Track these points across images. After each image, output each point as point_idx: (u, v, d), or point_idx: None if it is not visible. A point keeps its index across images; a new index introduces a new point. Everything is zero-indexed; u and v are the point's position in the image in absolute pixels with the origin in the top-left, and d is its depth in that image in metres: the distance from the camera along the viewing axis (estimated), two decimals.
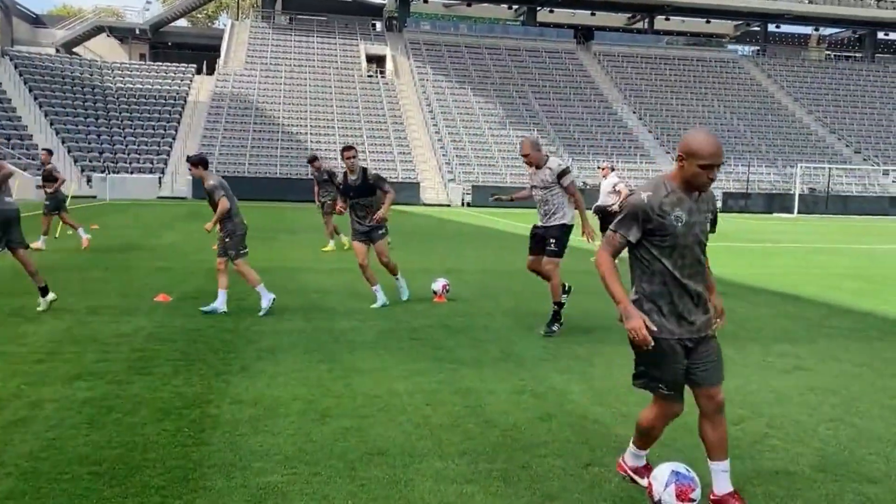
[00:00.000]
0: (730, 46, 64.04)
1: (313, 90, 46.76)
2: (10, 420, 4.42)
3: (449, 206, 36.80)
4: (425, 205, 37.44)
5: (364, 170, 8.69)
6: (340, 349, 6.53)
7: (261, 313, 7.92)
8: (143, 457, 3.93)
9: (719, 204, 39.67)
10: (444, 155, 42.22)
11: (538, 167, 7.43)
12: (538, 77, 52.06)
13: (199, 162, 8.21)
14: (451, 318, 8.07)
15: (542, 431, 4.53)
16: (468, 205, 37.09)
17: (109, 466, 3.78)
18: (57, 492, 3.47)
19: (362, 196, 8.61)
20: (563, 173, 7.33)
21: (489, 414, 4.83)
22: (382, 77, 50.40)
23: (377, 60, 52.78)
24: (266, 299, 8.03)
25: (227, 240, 8.13)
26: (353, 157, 8.66)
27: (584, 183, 40.20)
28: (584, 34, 58.69)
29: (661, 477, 3.36)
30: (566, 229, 7.41)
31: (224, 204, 7.99)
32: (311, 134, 42.52)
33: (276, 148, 40.84)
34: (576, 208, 7.43)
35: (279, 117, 43.50)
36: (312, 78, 47.99)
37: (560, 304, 7.44)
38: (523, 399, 5.18)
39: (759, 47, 64.26)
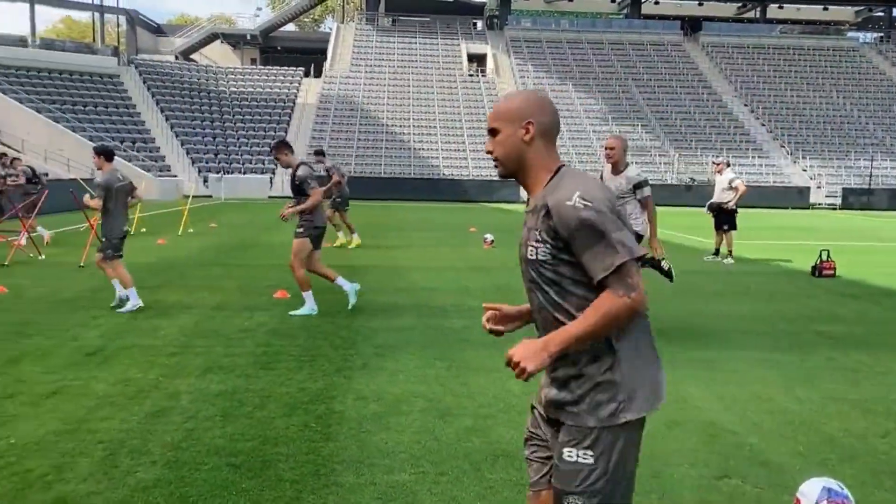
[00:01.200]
0: (850, 34, 60.36)
1: (416, 90, 47.36)
2: (151, 410, 4.66)
3: None
4: (525, 202, 37.28)
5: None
6: (454, 347, 6.54)
7: (121, 308, 7.87)
8: (274, 450, 4.05)
9: (837, 200, 37.51)
10: None
11: (616, 170, 7.14)
12: (642, 71, 50.76)
13: (101, 153, 7.93)
14: None
15: (669, 439, 4.38)
16: None
17: (245, 459, 3.91)
18: (199, 481, 3.62)
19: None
20: (640, 185, 7.01)
21: None
22: (483, 75, 50.46)
23: (478, 59, 52.89)
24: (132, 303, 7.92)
25: (103, 238, 8.05)
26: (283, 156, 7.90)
27: (691, 179, 38.89)
28: (692, 25, 56.74)
29: (812, 494, 3.16)
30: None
31: (97, 203, 7.92)
32: (413, 133, 43.10)
33: (381, 148, 41.62)
34: (648, 221, 7.11)
35: (383, 118, 44.30)
36: (415, 78, 48.62)
37: None
38: None
39: (882, 34, 60.23)
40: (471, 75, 50.39)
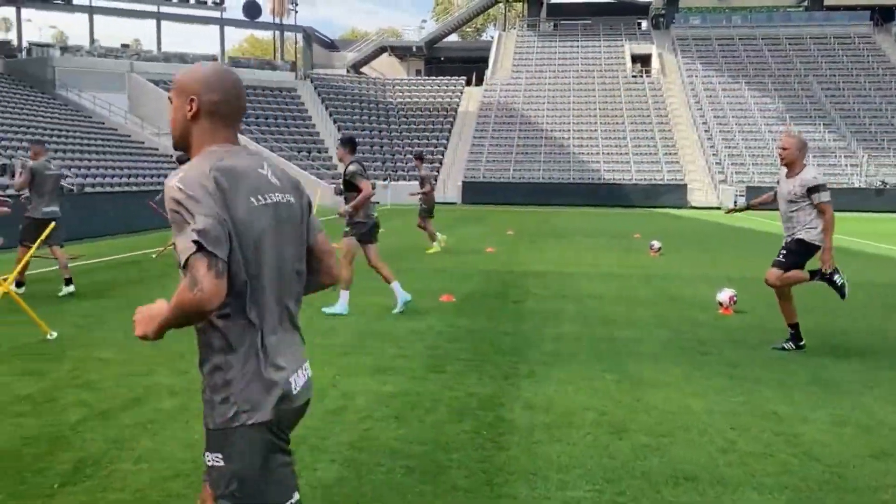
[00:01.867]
0: None
1: (577, 94, 46.75)
2: (329, 409, 4.83)
3: (719, 208, 34.56)
4: (693, 207, 35.62)
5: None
6: (624, 359, 6.29)
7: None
8: (447, 456, 4.04)
9: None
10: (713, 155, 39.81)
11: (791, 172, 6.48)
12: (824, 66, 47.06)
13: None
14: (743, 332, 7.43)
15: (878, 472, 3.92)
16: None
17: (419, 463, 3.94)
18: (376, 483, 3.68)
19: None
20: (816, 189, 6.30)
21: (806, 445, 4.30)
22: (647, 76, 48.93)
23: (642, 60, 51.35)
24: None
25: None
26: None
27: (882, 182, 35.50)
28: (882, 15, 51.87)
29: None
30: (805, 246, 6.43)
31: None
32: (573, 138, 42.55)
33: (540, 153, 41.45)
34: (823, 229, 6.39)
35: (543, 123, 44.10)
36: (576, 82, 48.02)
37: (793, 326, 6.61)
38: (846, 432, 4.54)
39: None
40: (634, 76, 49.02)
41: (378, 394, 5.16)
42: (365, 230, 8.04)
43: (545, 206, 35.26)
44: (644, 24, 56.85)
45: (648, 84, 47.73)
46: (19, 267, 8.30)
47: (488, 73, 50.48)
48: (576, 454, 4.10)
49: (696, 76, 47.25)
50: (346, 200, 7.95)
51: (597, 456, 4.08)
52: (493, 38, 59.39)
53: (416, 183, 15.40)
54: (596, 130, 43.15)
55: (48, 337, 6.74)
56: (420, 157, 15.74)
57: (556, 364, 6.08)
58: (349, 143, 8.00)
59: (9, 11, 52.84)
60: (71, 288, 9.22)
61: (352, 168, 7.82)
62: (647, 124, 43.43)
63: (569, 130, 43.34)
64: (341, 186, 8.06)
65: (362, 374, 5.68)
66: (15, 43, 43.85)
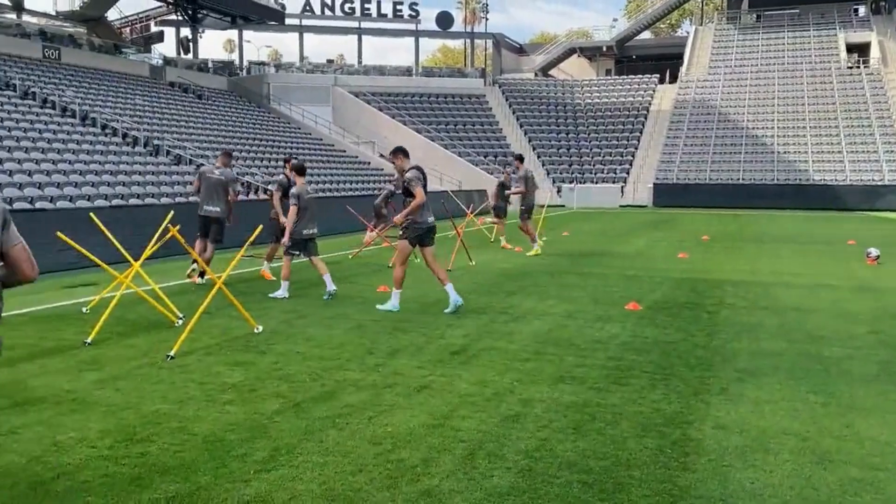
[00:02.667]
0: None
1: (782, 89, 43.43)
2: (506, 415, 4.80)
3: None
4: None
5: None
6: (834, 380, 5.69)
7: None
8: (627, 473, 3.86)
9: None
10: None
11: None
12: None
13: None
14: None
15: None
16: None
17: (597, 478, 3.79)
18: (551, 495, 3.59)
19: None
20: None
21: None
22: (865, 67, 44.38)
23: (858, 49, 46.67)
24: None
25: None
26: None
27: None
28: None
29: None
30: None
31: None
32: (777, 136, 39.57)
33: (740, 153, 38.99)
34: None
35: (743, 121, 41.44)
36: (781, 76, 44.62)
37: None
38: None
39: None
40: (850, 68, 44.66)
41: (557, 403, 5.06)
42: (418, 234, 8.46)
43: (745, 209, 33.09)
44: (861, 9, 51.60)
45: (867, 75, 43.27)
46: (201, 260, 9.15)
47: (683, 69, 48.33)
48: (772, 482, 3.75)
49: None
50: (404, 205, 8.45)
51: (797, 486, 3.71)
52: (688, 33, 56.78)
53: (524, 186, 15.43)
54: (804, 127, 39.82)
55: (255, 331, 7.33)
56: (520, 158, 16.10)
57: (751, 382, 5.63)
58: (403, 151, 8.58)
59: (232, 34, 58.56)
60: (201, 280, 10.37)
61: (410, 174, 8.31)
62: (864, 119, 39.39)
63: (773, 128, 40.37)
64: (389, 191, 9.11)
65: (541, 381, 5.60)
66: (237, 62, 48.54)
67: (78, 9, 38.73)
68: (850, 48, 46.85)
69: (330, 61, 55.93)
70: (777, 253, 15.25)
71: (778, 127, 40.37)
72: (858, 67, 44.63)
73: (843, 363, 6.20)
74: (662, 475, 3.84)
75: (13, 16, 36.76)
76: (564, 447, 4.23)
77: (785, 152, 38.44)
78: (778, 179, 36.39)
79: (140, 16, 46.74)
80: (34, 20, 38.37)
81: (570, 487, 3.68)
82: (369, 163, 35.91)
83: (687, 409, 4.94)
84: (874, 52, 45.41)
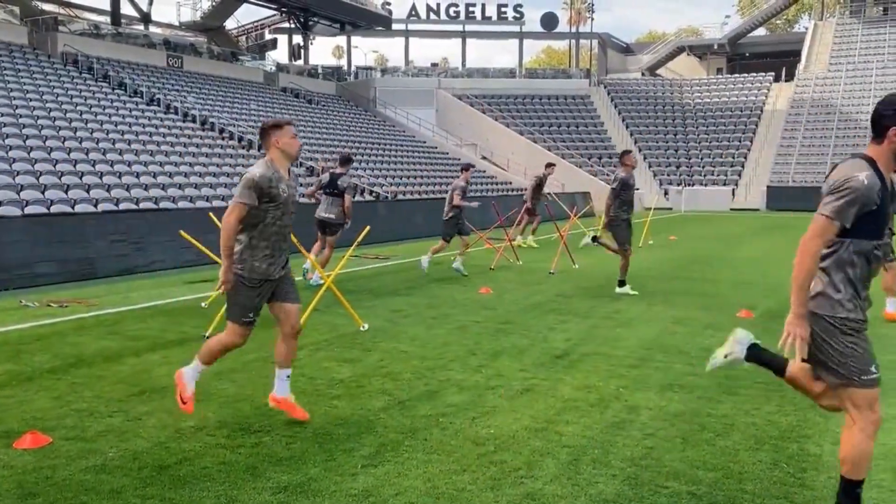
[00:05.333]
0: None
1: None
2: (612, 421, 4.72)
3: None
4: None
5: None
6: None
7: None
8: (739, 486, 3.72)
9: None
10: None
11: None
12: None
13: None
14: None
15: None
16: None
17: (707, 490, 3.67)
18: None
19: None
20: None
21: None
22: None
23: None
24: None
25: None
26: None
27: None
28: None
29: None
30: None
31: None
32: None
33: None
34: None
35: (866, 121, 38.90)
36: None
37: None
38: None
39: None
40: None
41: (664, 411, 4.93)
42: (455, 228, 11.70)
43: None
44: None
45: None
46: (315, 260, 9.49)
47: (801, 67, 45.98)
48: None
49: None
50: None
51: None
52: (806, 28, 53.97)
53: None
54: None
55: (361, 329, 7.51)
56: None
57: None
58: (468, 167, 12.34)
59: (341, 40, 60.36)
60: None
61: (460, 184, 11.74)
62: None
63: None
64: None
65: (648, 388, 5.47)
66: (345, 68, 49.96)
67: (199, 19, 40.94)
68: None
69: (434, 65, 56.67)
70: None
71: None
72: None
73: None
74: (777, 491, 3.68)
75: (141, 27, 39.26)
76: (672, 456, 4.11)
77: None
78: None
79: (255, 24, 48.93)
80: (159, 31, 40.87)
81: (679, 498, 3.58)
82: (473, 165, 36.10)
83: (804, 423, 4.70)
84: None
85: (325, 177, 10.82)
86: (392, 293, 10.09)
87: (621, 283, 10.07)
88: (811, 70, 45.50)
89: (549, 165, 17.36)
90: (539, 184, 16.61)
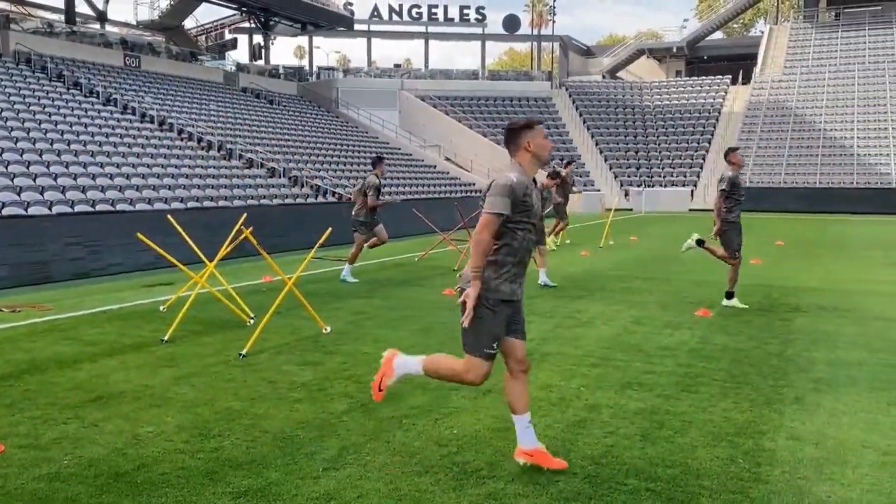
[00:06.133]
0: None
1: (862, 90, 41.70)
2: (573, 420, 4.77)
3: None
4: None
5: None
6: None
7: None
8: (697, 482, 3.79)
9: None
10: None
11: None
12: None
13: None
14: None
15: None
16: None
17: (665, 486, 3.73)
18: (618, 502, 3.55)
19: None
20: None
21: None
22: None
23: None
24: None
25: None
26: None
27: None
28: None
29: None
30: None
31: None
32: (857, 138, 38.03)
33: (816, 155, 37.64)
34: None
35: (820, 122, 39.96)
36: (861, 76, 42.84)
37: None
38: None
39: None
40: None
41: (624, 409, 4.99)
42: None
43: (822, 213, 31.93)
44: None
45: None
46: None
47: (757, 70, 46.93)
48: (851, 498, 3.62)
49: None
50: None
51: (875, 501, 3.57)
52: (762, 32, 55.14)
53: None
54: (886, 129, 38.13)
55: (324, 331, 7.47)
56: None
57: (828, 392, 5.44)
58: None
59: (302, 40, 59.87)
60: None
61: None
62: None
63: (852, 129, 38.79)
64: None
65: (608, 387, 5.54)
66: (307, 68, 49.57)
67: (157, 18, 40.22)
68: None
69: (397, 66, 56.54)
70: (857, 259, 14.65)
71: (858, 128, 38.77)
72: None
73: None
74: (734, 486, 3.75)
75: (97, 26, 38.45)
76: (631, 454, 4.17)
77: (865, 154, 36.90)
78: (857, 183, 34.96)
79: (215, 24, 48.27)
80: (116, 30, 40.06)
81: (637, 495, 3.63)
82: (435, 166, 36.11)
83: (759, 419, 4.80)
84: None
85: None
86: (355, 295, 10.04)
87: (729, 296, 9.12)
88: (767, 73, 46.47)
89: (569, 164, 17.11)
90: (561, 184, 15.92)
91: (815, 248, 17.12)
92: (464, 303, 3.72)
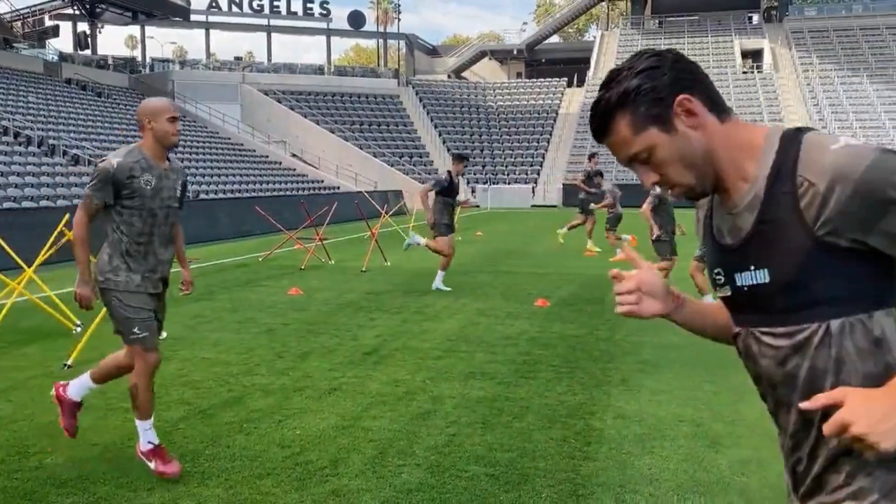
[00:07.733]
0: None
1: None
2: (417, 412, 4.85)
3: None
4: None
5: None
6: (726, 369, 5.98)
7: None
8: (533, 464, 3.98)
9: None
10: None
11: None
12: None
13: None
14: None
15: None
16: None
17: (503, 470, 3.89)
18: (458, 489, 3.66)
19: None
20: None
21: None
22: (759, 72, 46.87)
23: (753, 55, 49.26)
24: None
25: None
26: None
27: None
28: None
29: None
30: None
31: None
32: None
33: None
34: None
35: None
36: None
37: None
38: None
39: None
40: (745, 73, 47.06)
41: (467, 399, 5.15)
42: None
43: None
44: (755, 17, 54.50)
45: (760, 80, 45.68)
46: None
47: (590, 73, 49.72)
48: (668, 467, 3.94)
49: (812, 70, 44.84)
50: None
51: (691, 470, 3.91)
52: (595, 38, 58.47)
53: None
54: None
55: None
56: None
57: (652, 373, 5.88)
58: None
59: (134, 30, 56.48)
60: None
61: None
62: (758, 120, 41.59)
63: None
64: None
65: (452, 378, 5.68)
66: (139, 59, 46.80)
67: None
68: (745, 54, 49.35)
69: (238, 59, 54.64)
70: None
71: None
72: (753, 72, 47.07)
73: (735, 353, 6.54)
74: (566, 465, 3.97)
75: None
76: (473, 441, 4.31)
77: None
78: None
79: (33, 9, 44.42)
80: None
81: (477, 480, 3.76)
82: (280, 163, 35.31)
83: (590, 401, 5.11)
84: (766, 58, 47.99)
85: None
86: (193, 298, 9.59)
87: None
88: (599, 76, 49.29)
89: (592, 157, 15.61)
90: (586, 178, 15.22)
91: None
92: None
